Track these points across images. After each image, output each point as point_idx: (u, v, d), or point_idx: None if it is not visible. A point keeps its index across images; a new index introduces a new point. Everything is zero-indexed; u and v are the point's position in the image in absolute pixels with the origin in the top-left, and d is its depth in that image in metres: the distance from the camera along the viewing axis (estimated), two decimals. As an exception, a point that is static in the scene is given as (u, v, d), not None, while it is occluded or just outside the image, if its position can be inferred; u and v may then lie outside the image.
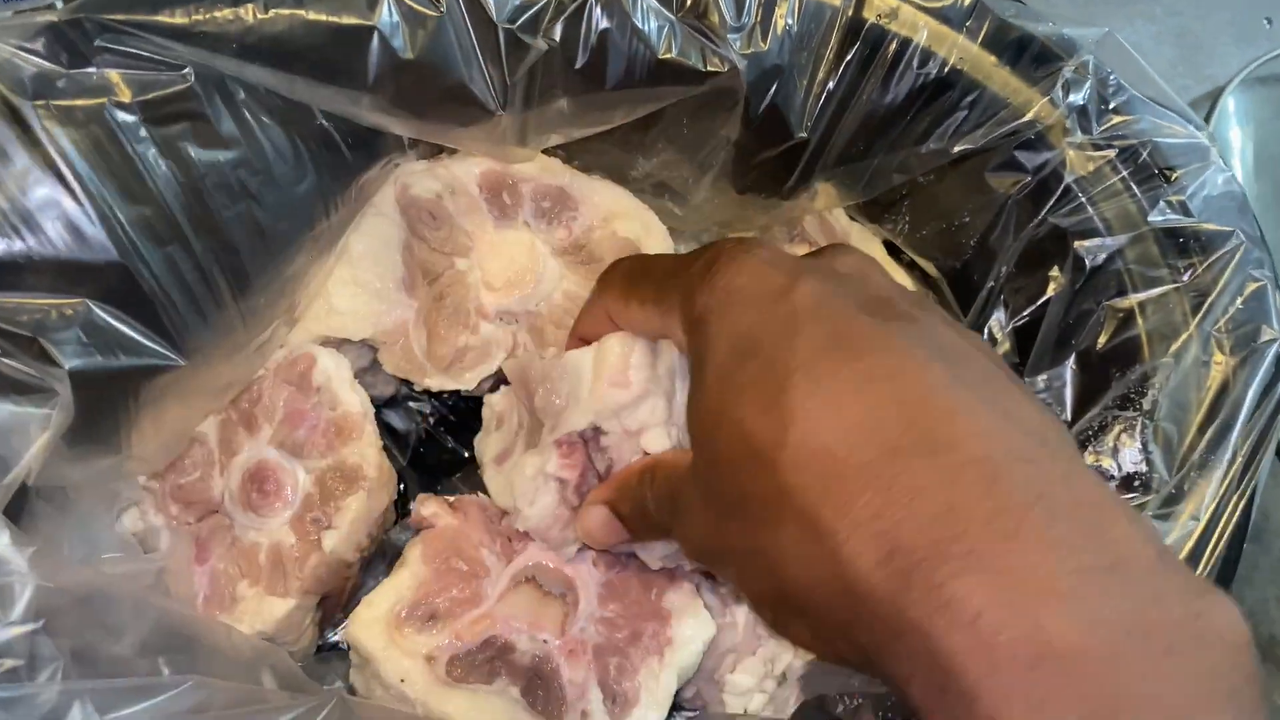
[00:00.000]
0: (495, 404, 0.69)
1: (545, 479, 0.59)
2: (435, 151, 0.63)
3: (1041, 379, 0.57)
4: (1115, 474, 0.52)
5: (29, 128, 0.43)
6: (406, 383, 0.67)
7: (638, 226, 0.65)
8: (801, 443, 0.35)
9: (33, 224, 0.43)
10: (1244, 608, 0.73)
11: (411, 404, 0.71)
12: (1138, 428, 0.53)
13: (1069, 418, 0.56)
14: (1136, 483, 0.52)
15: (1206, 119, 0.85)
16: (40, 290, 0.44)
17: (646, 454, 0.56)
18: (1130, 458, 0.52)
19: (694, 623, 0.60)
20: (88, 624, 0.46)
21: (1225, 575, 0.50)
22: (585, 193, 0.64)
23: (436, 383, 0.63)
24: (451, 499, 0.61)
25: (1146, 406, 0.53)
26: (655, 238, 0.65)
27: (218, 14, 0.46)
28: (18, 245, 0.43)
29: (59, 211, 0.44)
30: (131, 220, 0.45)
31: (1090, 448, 0.53)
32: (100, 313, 0.45)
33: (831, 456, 0.34)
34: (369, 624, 0.56)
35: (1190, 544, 0.50)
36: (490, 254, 0.63)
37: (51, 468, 0.46)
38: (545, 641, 0.57)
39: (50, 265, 0.44)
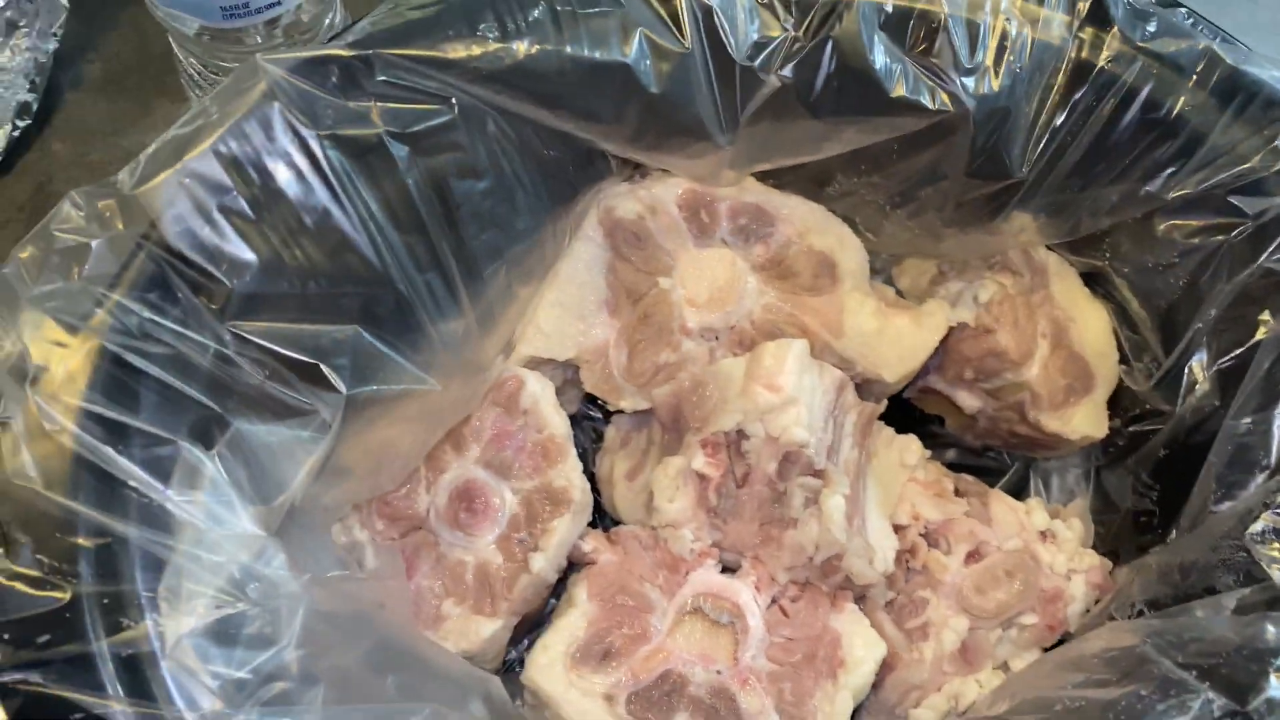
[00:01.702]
0: (622, 424, 0.71)
1: (687, 476, 0.60)
2: (635, 172, 0.64)
3: (1245, 422, 0.56)
4: (1333, 527, 0.52)
5: (313, 155, 0.44)
6: (590, 400, 0.68)
7: (833, 240, 0.65)
8: None
9: (312, 248, 0.44)
10: None
11: (587, 421, 0.72)
12: None
13: (1273, 464, 0.55)
14: None
15: None
16: (316, 316, 0.45)
17: (786, 456, 0.57)
18: None
19: (863, 643, 0.60)
20: (338, 644, 0.47)
21: None
22: (780, 209, 0.65)
23: (630, 403, 0.64)
24: (610, 532, 0.62)
25: None
26: (850, 252, 0.65)
27: (490, 48, 0.46)
28: (299, 269, 0.44)
29: (337, 236, 0.45)
30: (400, 246, 0.46)
31: (1303, 500, 0.52)
32: (369, 338, 0.46)
33: None
34: (546, 668, 0.57)
35: None
36: (692, 272, 0.63)
37: (307, 491, 0.48)
38: (719, 672, 0.58)
39: (325, 291, 0.45)
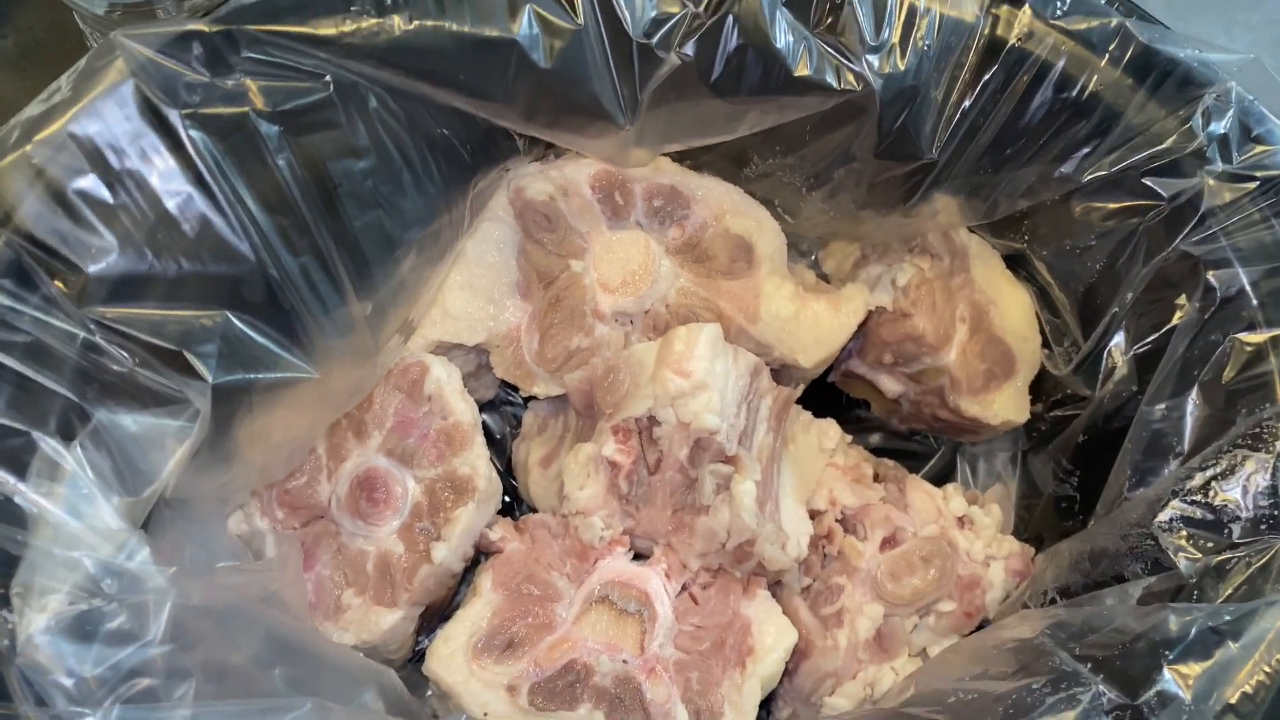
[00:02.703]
0: (539, 410, 0.69)
1: (598, 463, 0.59)
2: (547, 152, 0.62)
3: (1160, 408, 0.56)
4: (1242, 514, 0.51)
5: (174, 135, 0.43)
6: (506, 387, 0.67)
7: (750, 223, 0.64)
8: None
9: (176, 234, 0.43)
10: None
11: (507, 408, 0.70)
12: (1269, 469, 0.51)
13: (1185, 449, 0.54)
14: (1264, 525, 0.50)
15: None
16: (180, 301, 0.43)
17: (697, 442, 0.56)
18: (1259, 500, 0.51)
19: (774, 630, 0.59)
20: (215, 638, 0.46)
21: None
22: (696, 190, 0.64)
23: (543, 389, 0.63)
24: (519, 521, 0.61)
25: None
26: (768, 235, 0.64)
27: (363, 25, 0.45)
28: (161, 254, 0.43)
29: (202, 221, 0.43)
30: (270, 229, 0.45)
31: (1214, 485, 0.52)
32: (239, 324, 0.44)
33: None
34: (448, 659, 0.56)
35: None
36: (605, 255, 0.62)
37: (182, 480, 0.46)
38: (625, 661, 0.57)
39: (191, 276, 0.44)
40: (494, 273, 0.61)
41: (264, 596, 0.52)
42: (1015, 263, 0.66)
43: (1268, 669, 0.46)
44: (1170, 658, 0.45)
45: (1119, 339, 0.59)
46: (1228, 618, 0.46)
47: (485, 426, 0.68)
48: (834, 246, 0.70)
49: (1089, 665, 0.46)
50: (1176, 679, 0.44)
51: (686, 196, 0.63)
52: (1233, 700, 0.45)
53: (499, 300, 0.61)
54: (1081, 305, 0.62)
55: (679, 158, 0.64)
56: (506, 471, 0.68)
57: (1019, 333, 0.65)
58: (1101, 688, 0.45)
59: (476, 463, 0.58)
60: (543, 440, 0.66)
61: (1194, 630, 0.46)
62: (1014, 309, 0.65)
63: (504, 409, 0.71)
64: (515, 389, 0.66)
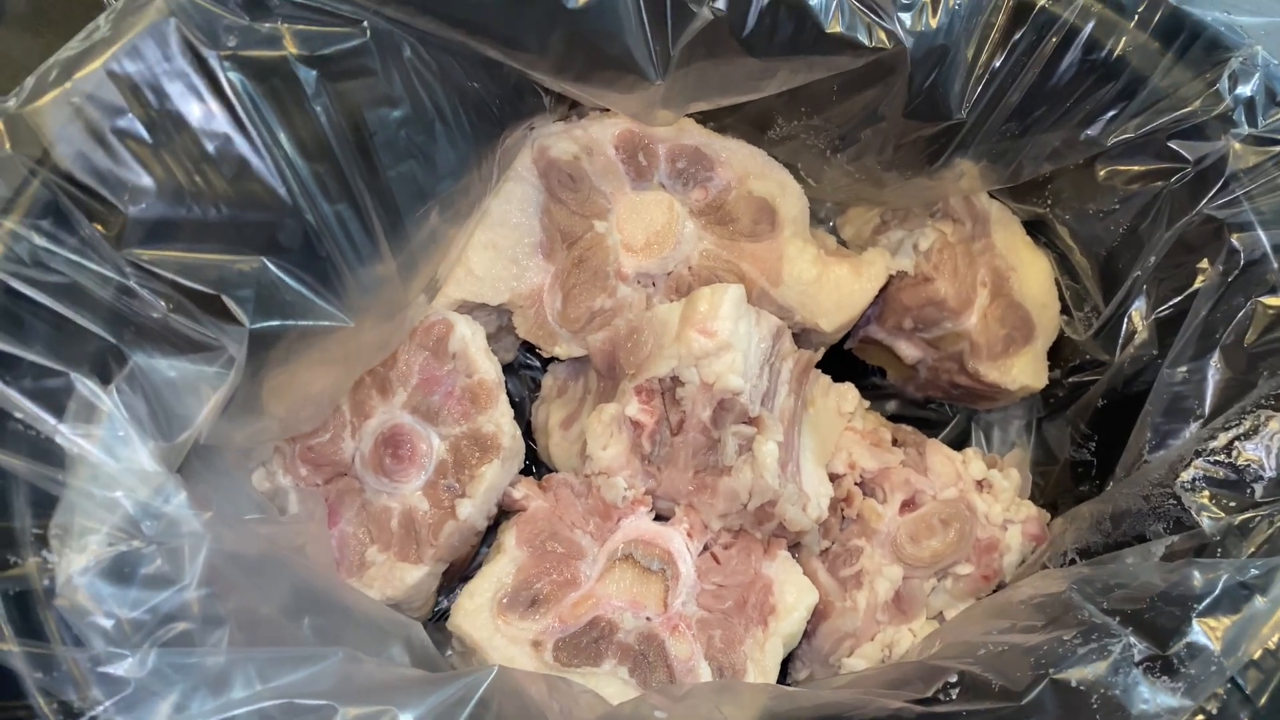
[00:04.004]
0: (559, 372, 0.69)
1: (621, 423, 0.59)
2: (571, 110, 0.62)
3: (1181, 371, 0.56)
4: (1265, 474, 0.51)
5: (214, 76, 0.42)
6: (525, 348, 0.67)
7: (774, 186, 0.64)
8: None
9: (214, 174, 0.43)
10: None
11: (525, 371, 0.70)
12: None
13: (1206, 411, 0.55)
14: None
15: None
16: (217, 245, 0.43)
17: (720, 403, 0.56)
18: None
19: (795, 590, 0.60)
20: (246, 586, 0.45)
21: None
22: (720, 153, 0.64)
23: (564, 350, 0.63)
24: (542, 479, 0.61)
25: None
26: (791, 198, 0.64)
27: (404, -32, 0.45)
28: (200, 197, 0.42)
29: (239, 163, 0.43)
30: (307, 175, 0.45)
31: (1237, 445, 0.52)
32: (275, 270, 0.44)
33: None
34: (473, 614, 0.56)
35: None
36: (629, 216, 0.62)
37: (215, 428, 0.46)
38: (649, 619, 0.57)
39: (228, 220, 0.43)
40: (517, 232, 0.61)
41: (291, 550, 0.51)
42: (1035, 229, 0.66)
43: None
44: (1199, 610, 0.45)
45: (1140, 303, 0.60)
46: (1255, 572, 0.46)
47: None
48: (853, 213, 0.70)
49: (1118, 618, 0.47)
50: (1206, 631, 0.45)
51: (710, 158, 0.63)
52: (1256, 655, 0.45)
53: (522, 260, 0.61)
54: (1103, 270, 0.62)
55: (702, 120, 0.64)
56: (526, 434, 0.68)
57: (1038, 299, 0.65)
58: (1132, 639, 0.45)
59: (501, 420, 0.58)
60: (563, 402, 0.66)
61: (1221, 584, 0.46)
62: (1034, 275, 0.65)
63: (522, 372, 0.70)
64: (533, 352, 0.66)
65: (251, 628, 0.45)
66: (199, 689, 0.41)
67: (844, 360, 0.73)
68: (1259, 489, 0.51)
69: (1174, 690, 0.44)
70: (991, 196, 0.65)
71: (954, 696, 0.45)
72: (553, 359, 0.65)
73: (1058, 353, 0.67)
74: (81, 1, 0.77)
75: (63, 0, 0.78)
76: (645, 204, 0.62)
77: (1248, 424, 0.52)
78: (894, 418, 0.70)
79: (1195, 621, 0.45)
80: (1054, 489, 0.67)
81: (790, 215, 0.64)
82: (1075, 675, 0.44)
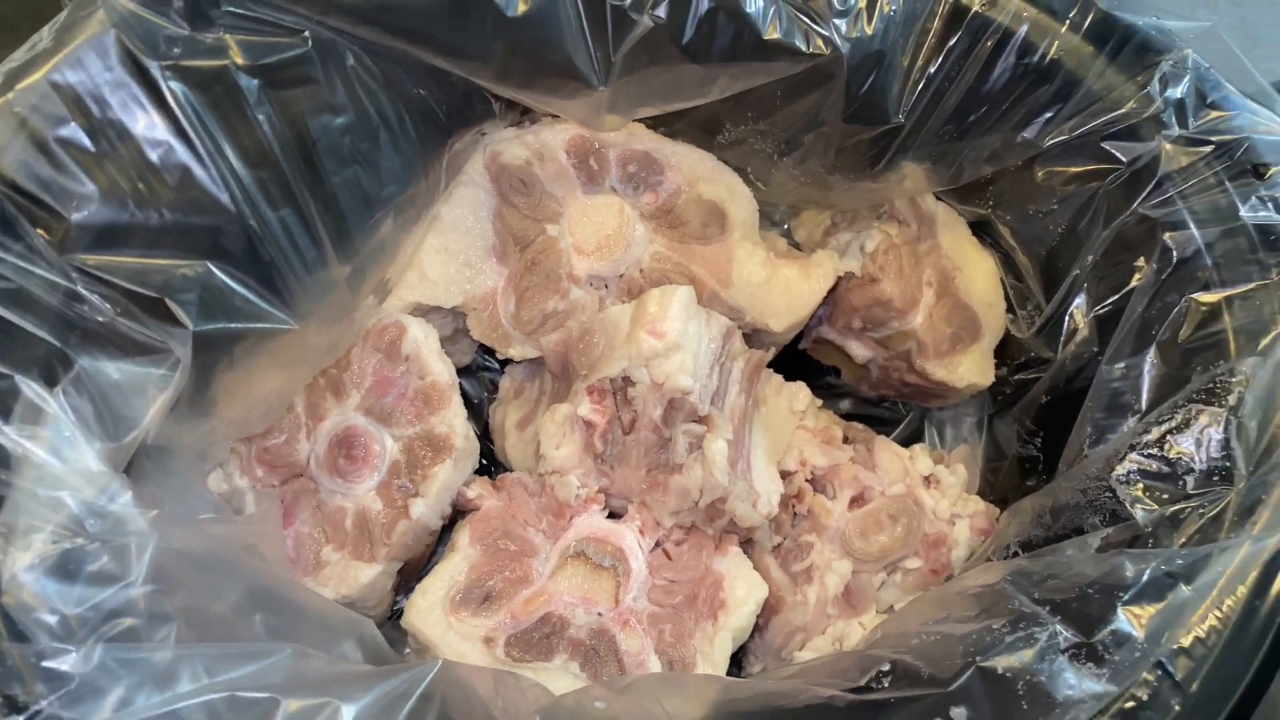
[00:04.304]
0: (515, 374, 0.71)
1: (574, 423, 0.60)
2: (523, 117, 0.63)
3: (1119, 367, 0.57)
4: (1195, 468, 0.52)
5: (155, 86, 0.43)
6: (484, 351, 0.68)
7: (723, 190, 0.65)
8: None
9: (159, 183, 0.44)
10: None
11: (484, 373, 0.71)
12: (1221, 423, 0.53)
13: (1143, 406, 0.56)
14: (1216, 477, 0.52)
15: None
16: (161, 250, 0.44)
17: (671, 402, 0.57)
18: (1211, 453, 0.52)
19: (745, 584, 0.61)
20: (196, 584, 0.46)
21: None
22: (670, 157, 0.65)
23: (519, 351, 0.64)
24: (496, 479, 0.62)
25: (1232, 403, 0.52)
26: (740, 202, 0.66)
27: (343, -20, 0.46)
28: (143, 204, 0.43)
29: (182, 170, 0.44)
30: (250, 182, 0.46)
31: (1169, 439, 0.53)
32: (220, 274, 0.45)
33: None
34: (426, 611, 0.57)
35: (1276, 545, 0.49)
36: (580, 219, 0.63)
37: (163, 429, 0.47)
38: (600, 614, 0.58)
39: (172, 226, 0.45)
40: (470, 236, 0.62)
41: (245, 549, 0.52)
42: (981, 229, 0.67)
43: (1219, 613, 0.47)
44: (1125, 599, 0.46)
45: (1080, 301, 0.61)
46: (1180, 562, 0.47)
47: (462, 392, 0.69)
48: (805, 215, 0.71)
49: (1047, 608, 0.48)
50: (1130, 619, 0.46)
51: (660, 163, 0.65)
52: (1185, 643, 0.46)
53: (475, 264, 0.62)
54: (1044, 269, 0.63)
55: (653, 125, 0.65)
56: (484, 436, 0.69)
57: (984, 298, 0.66)
58: (1058, 627, 0.46)
59: (454, 421, 0.59)
60: (519, 404, 0.67)
61: (1147, 574, 0.47)
62: (979, 274, 0.66)
63: (481, 374, 0.72)
64: (492, 355, 0.67)
65: (202, 625, 0.46)
66: (144, 684, 0.42)
67: (800, 360, 0.74)
68: (1190, 481, 0.52)
69: (1099, 676, 0.45)
70: (938, 198, 0.66)
71: (885, 685, 0.47)
72: (510, 361, 0.66)
73: (1004, 350, 0.68)
74: (42, 14, 0.78)
75: (26, 13, 0.79)
76: (596, 208, 0.64)
77: (1179, 418, 0.53)
78: (849, 416, 0.72)
79: (1121, 610, 0.46)
80: (1004, 484, 0.69)
81: (740, 218, 0.65)
82: (1002, 663, 0.45)
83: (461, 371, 0.70)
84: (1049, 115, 0.57)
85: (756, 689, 0.49)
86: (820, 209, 0.69)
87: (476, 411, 0.70)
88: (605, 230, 0.63)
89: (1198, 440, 0.53)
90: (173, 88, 0.43)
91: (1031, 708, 0.44)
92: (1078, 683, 0.45)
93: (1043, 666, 0.45)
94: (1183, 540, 0.50)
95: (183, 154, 0.44)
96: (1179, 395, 0.54)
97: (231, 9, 0.45)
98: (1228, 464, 0.52)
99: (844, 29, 0.54)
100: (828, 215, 0.70)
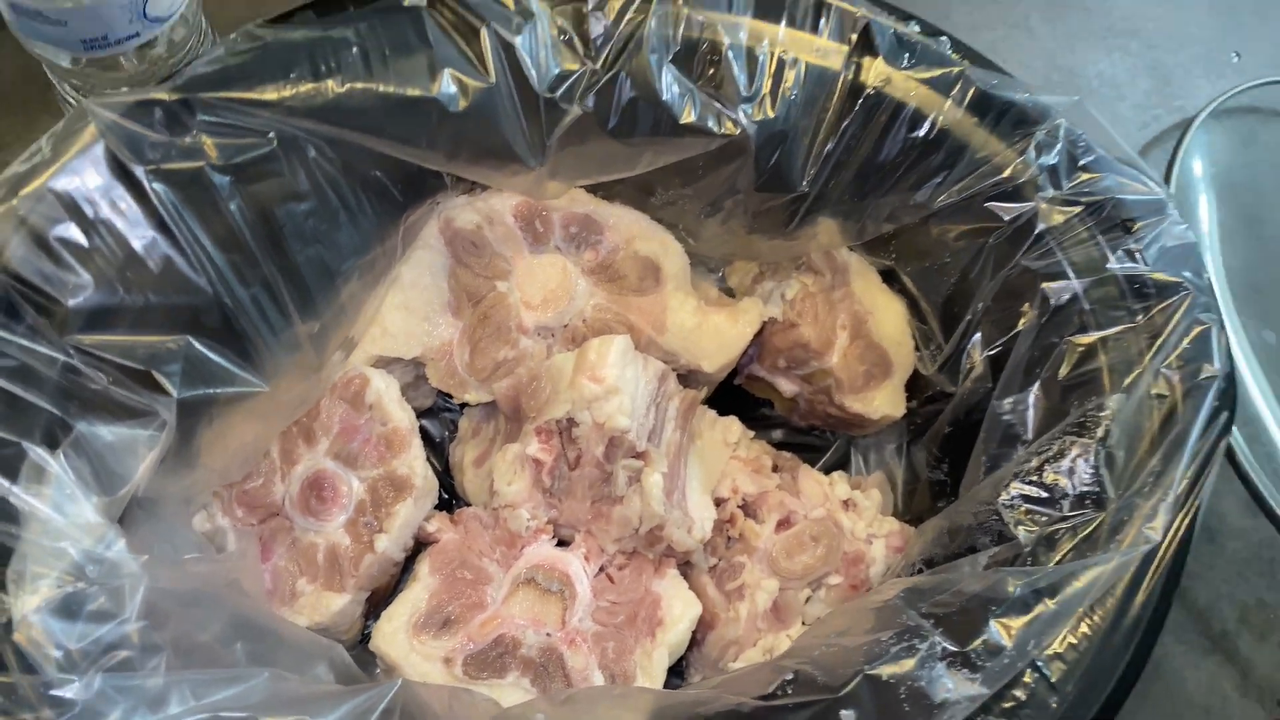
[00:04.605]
0: (474, 415, 0.77)
1: (524, 461, 0.67)
2: (474, 186, 0.70)
3: (1008, 402, 0.64)
4: (1070, 493, 0.59)
5: (140, 187, 0.50)
6: (444, 396, 0.75)
7: (657, 246, 0.72)
8: None
9: (143, 270, 0.50)
10: (1199, 605, 0.81)
11: (446, 414, 0.78)
12: (1092, 453, 0.59)
13: (1030, 437, 0.62)
14: (1088, 501, 0.58)
15: (1175, 149, 0.91)
16: (147, 328, 0.51)
17: (611, 440, 0.64)
18: (1083, 479, 0.59)
19: (681, 603, 0.67)
20: (183, 618, 0.53)
21: (1170, 584, 0.57)
22: (608, 218, 0.72)
23: (474, 396, 0.70)
24: (454, 514, 0.68)
25: (1100, 434, 0.59)
26: (673, 257, 0.72)
27: (302, 88, 0.52)
28: (130, 289, 0.50)
29: (165, 259, 0.51)
30: (224, 264, 0.52)
31: (1047, 467, 0.59)
32: (199, 347, 0.52)
33: None
34: (390, 635, 0.64)
35: (1138, 560, 0.55)
36: (527, 276, 0.70)
37: (152, 482, 0.53)
38: (549, 634, 0.65)
39: (156, 306, 0.51)
40: (428, 294, 0.69)
41: (226, 584, 0.59)
42: (889, 277, 0.74)
43: (1091, 621, 0.54)
44: (997, 613, 0.53)
45: (976, 341, 0.68)
46: (1048, 579, 0.54)
47: (426, 431, 0.76)
48: (738, 265, 0.78)
49: (931, 620, 0.54)
50: (1000, 630, 0.52)
51: (600, 224, 0.71)
52: (1059, 649, 0.52)
53: (433, 318, 0.69)
54: (943, 313, 0.70)
55: (593, 189, 0.72)
56: (445, 471, 0.76)
57: (894, 338, 0.73)
58: (938, 638, 0.52)
59: (414, 463, 0.65)
60: (476, 442, 0.74)
61: (1019, 590, 0.54)
62: (889, 318, 0.73)
63: (443, 415, 0.78)
64: (451, 397, 0.74)
65: (188, 654, 0.52)
66: (139, 707, 0.48)
67: (738, 394, 0.81)
68: (1065, 505, 0.58)
69: (972, 680, 0.51)
70: (850, 250, 0.73)
71: (789, 692, 0.53)
72: (466, 403, 0.73)
73: (914, 385, 0.75)
74: (35, 84, 0.85)
75: (20, 84, 0.85)
76: (542, 266, 0.70)
77: (1055, 448, 0.60)
78: (782, 444, 0.78)
79: (992, 622, 0.52)
80: (918, 505, 0.75)
81: (672, 271, 0.72)
82: (887, 670, 0.52)
83: (424, 413, 0.76)
84: (939, 180, 0.64)
85: (681, 698, 0.56)
86: (749, 259, 0.76)
87: (439, 449, 0.77)
88: (550, 286, 0.70)
89: (1070, 468, 0.59)
90: (155, 188, 0.50)
91: (912, 709, 0.50)
92: (954, 687, 0.51)
93: (923, 673, 0.51)
94: (1057, 558, 0.56)
95: (164, 245, 0.50)
96: (1056, 428, 0.61)
97: (205, 117, 0.51)
98: (1098, 489, 0.58)
99: (750, 112, 0.60)
100: (756, 265, 0.77)
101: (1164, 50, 1.09)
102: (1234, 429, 0.72)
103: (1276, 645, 0.78)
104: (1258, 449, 0.76)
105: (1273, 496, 0.72)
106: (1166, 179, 0.87)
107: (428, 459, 0.70)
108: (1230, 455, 0.73)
